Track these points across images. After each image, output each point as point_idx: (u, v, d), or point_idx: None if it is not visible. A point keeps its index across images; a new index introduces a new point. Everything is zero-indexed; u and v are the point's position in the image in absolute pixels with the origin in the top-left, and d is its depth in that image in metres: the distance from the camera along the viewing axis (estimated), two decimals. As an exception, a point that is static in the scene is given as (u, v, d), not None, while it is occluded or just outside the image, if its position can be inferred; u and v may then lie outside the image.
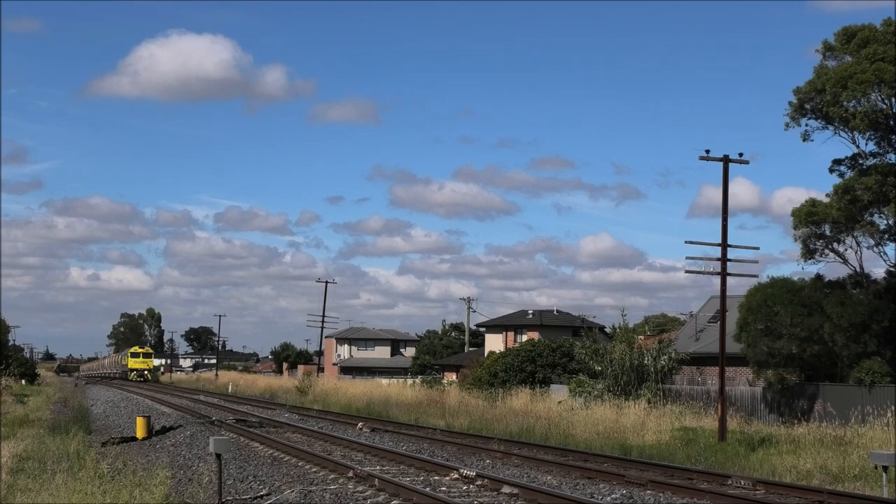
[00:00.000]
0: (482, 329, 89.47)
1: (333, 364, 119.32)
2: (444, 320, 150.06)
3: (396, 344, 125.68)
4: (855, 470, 24.40)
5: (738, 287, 43.78)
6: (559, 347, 57.98)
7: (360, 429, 39.22)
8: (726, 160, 34.88)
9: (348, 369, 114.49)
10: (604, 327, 79.44)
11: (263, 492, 20.25)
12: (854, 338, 38.79)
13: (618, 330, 55.69)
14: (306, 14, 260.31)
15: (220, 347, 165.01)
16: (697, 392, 43.94)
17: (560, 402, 44.47)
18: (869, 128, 39.97)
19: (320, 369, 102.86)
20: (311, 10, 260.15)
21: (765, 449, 29.48)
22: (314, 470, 23.96)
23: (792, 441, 30.44)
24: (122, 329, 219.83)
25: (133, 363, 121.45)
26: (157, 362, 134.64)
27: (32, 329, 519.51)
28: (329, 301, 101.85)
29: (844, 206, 39.51)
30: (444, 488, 21.06)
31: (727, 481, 23.11)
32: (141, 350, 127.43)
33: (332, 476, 22.79)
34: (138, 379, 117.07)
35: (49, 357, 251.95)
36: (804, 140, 41.86)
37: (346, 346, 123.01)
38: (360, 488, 20.72)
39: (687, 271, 38.17)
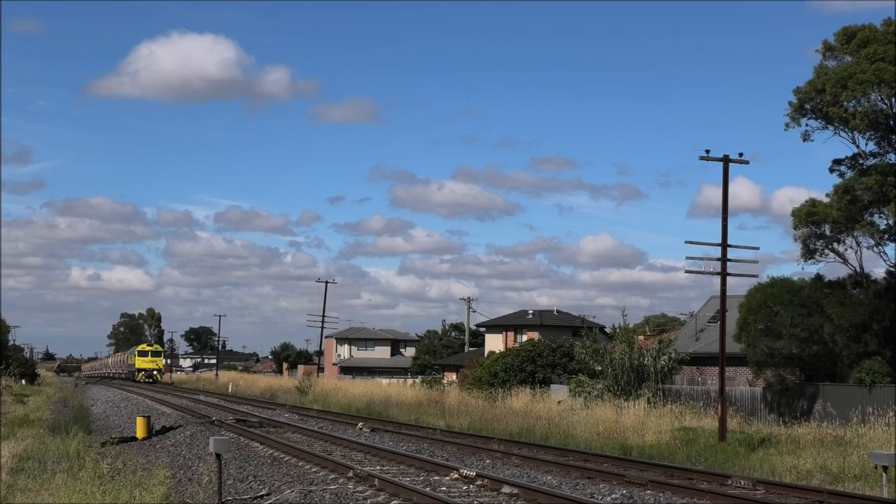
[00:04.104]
0: (482, 329, 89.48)
1: (333, 364, 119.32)
2: (445, 320, 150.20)
3: (396, 344, 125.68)
4: (855, 470, 24.39)
5: (739, 287, 43.83)
6: (559, 347, 57.97)
7: (360, 429, 39.21)
8: (726, 160, 34.88)
9: (348, 369, 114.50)
10: (604, 327, 79.44)
11: (263, 492, 20.25)
12: (854, 338, 38.78)
13: (618, 330, 55.67)
14: (308, 14, 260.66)
15: (220, 347, 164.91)
16: (697, 392, 43.94)
17: (560, 402, 44.47)
18: (869, 128, 39.96)
19: (320, 369, 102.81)
20: (312, 10, 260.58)
21: (765, 449, 29.47)
22: (314, 470, 23.96)
23: (792, 441, 30.43)
24: (122, 329, 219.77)
25: (141, 362, 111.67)
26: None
27: (33, 329, 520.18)
28: (329, 301, 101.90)
29: (844, 206, 39.50)
30: (444, 488, 21.06)
31: (727, 481, 23.11)
32: (149, 348, 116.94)
33: (332, 476, 22.79)
34: (146, 380, 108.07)
35: (49, 357, 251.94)
36: (804, 140, 41.90)
37: (346, 346, 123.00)
38: (360, 488, 20.71)
39: (687, 271, 38.22)
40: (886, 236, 41.00)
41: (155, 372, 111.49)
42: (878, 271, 42.72)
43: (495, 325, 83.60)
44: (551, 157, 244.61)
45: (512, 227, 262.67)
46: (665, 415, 37.50)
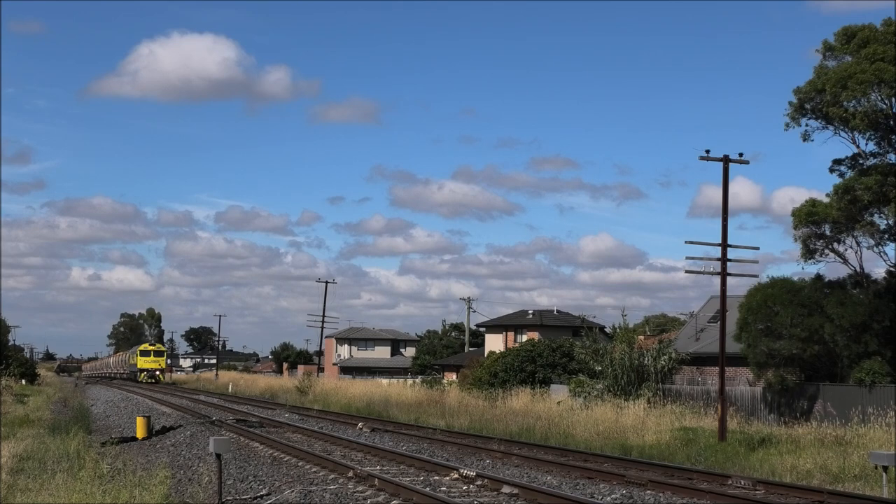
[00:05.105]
0: (482, 329, 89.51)
1: (333, 364, 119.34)
2: (445, 320, 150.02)
3: (396, 344, 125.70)
4: (855, 470, 24.38)
5: (739, 287, 43.85)
6: (559, 347, 57.97)
7: (360, 429, 39.22)
8: (726, 160, 34.88)
9: (348, 369, 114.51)
10: (604, 327, 79.45)
11: (263, 492, 20.25)
12: (854, 338, 38.78)
13: (618, 330, 55.67)
14: (308, 14, 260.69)
15: (220, 347, 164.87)
16: (697, 392, 43.93)
17: (560, 402, 44.46)
18: (869, 128, 39.96)
19: (320, 369, 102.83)
20: (312, 10, 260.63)
21: (765, 449, 29.47)
22: (314, 470, 23.96)
23: (792, 441, 30.43)
24: (122, 329, 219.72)
25: (143, 362, 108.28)
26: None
27: (33, 329, 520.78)
28: (330, 301, 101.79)
29: (844, 206, 39.50)
30: (444, 488, 21.06)
31: (727, 481, 23.11)
32: (152, 347, 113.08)
33: (332, 476, 22.79)
34: (149, 381, 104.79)
35: (49, 357, 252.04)
36: (804, 140, 41.86)
37: (346, 346, 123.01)
38: (360, 488, 20.71)
39: (687, 271, 38.21)
40: (886, 236, 41.00)
41: (157, 372, 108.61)
42: (878, 271, 42.79)
43: (495, 325, 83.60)
44: (551, 157, 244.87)
45: (512, 227, 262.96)
46: (665, 415, 37.49)
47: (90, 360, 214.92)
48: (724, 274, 35.02)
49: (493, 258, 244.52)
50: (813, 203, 41.05)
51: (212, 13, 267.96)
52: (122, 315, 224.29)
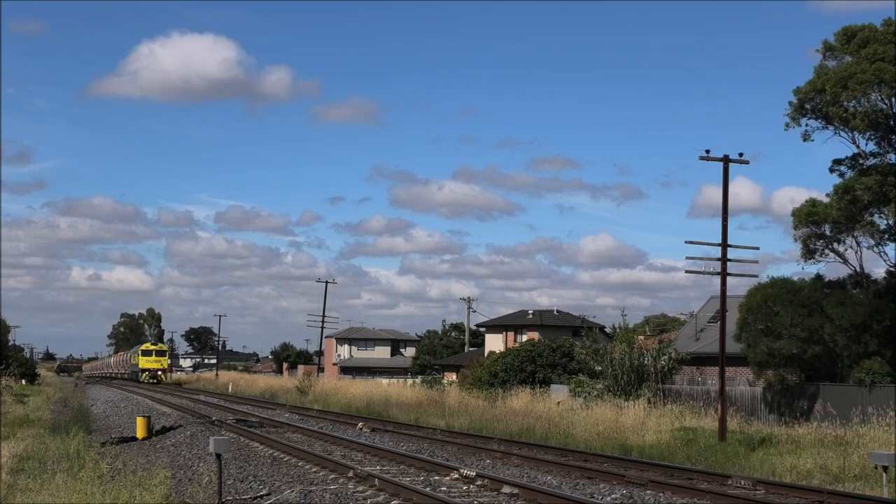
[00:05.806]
0: (482, 329, 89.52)
1: (333, 364, 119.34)
2: (445, 320, 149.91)
3: (396, 344, 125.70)
4: (855, 470, 24.38)
5: (739, 287, 43.86)
6: (559, 347, 57.98)
7: (360, 429, 39.22)
8: (726, 160, 34.89)
9: (348, 369, 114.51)
10: (604, 327, 79.37)
11: (263, 492, 20.25)
12: (854, 338, 38.78)
13: (618, 330, 55.65)
14: (308, 14, 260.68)
15: (220, 347, 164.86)
16: (697, 392, 43.94)
17: (560, 402, 44.46)
18: (869, 128, 39.96)
19: (320, 369, 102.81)
20: (312, 10, 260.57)
21: (765, 449, 29.47)
22: (314, 470, 23.97)
23: (792, 441, 30.43)
24: (122, 329, 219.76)
25: (145, 362, 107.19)
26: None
27: (33, 329, 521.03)
28: (330, 301, 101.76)
29: (844, 206, 39.50)
30: (444, 488, 21.06)
31: (727, 481, 23.11)
32: (153, 347, 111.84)
33: (332, 476, 22.79)
34: (151, 381, 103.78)
35: (49, 357, 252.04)
36: (804, 140, 41.87)
37: (346, 346, 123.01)
38: (360, 488, 20.72)
39: (687, 271, 38.21)
40: (886, 236, 41.01)
41: (159, 372, 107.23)
42: (878, 271, 42.80)
43: (495, 325, 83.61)
44: (551, 157, 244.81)
45: (512, 227, 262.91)
46: (665, 415, 37.50)
47: (90, 360, 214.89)
48: (724, 274, 35.02)
49: (493, 258, 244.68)
50: (813, 203, 41.06)
51: (212, 13, 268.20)
52: (122, 315, 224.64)
